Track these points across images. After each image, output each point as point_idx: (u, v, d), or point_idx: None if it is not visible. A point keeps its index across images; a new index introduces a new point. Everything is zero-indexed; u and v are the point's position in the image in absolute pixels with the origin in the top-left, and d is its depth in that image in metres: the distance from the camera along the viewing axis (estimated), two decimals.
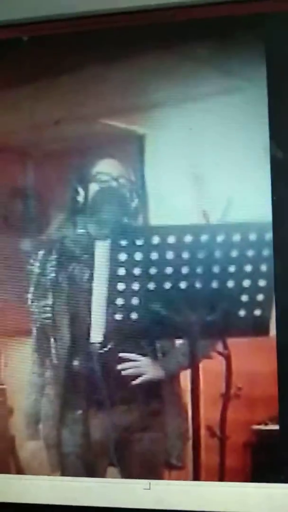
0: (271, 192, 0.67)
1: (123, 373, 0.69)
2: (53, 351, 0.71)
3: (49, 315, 0.71)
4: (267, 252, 0.67)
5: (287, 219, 0.67)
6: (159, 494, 0.69)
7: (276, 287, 0.67)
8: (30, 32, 0.74)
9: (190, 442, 0.68)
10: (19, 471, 0.73)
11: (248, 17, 0.68)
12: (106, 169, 0.71)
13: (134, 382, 0.69)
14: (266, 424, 0.66)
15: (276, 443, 0.66)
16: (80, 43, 0.72)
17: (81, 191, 0.71)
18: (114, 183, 0.70)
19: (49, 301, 0.71)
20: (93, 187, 0.71)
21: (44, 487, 0.72)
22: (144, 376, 0.69)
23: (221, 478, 0.67)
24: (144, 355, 0.69)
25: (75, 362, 0.71)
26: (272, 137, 0.67)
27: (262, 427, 0.66)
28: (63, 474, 0.72)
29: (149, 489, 0.69)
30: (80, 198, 0.71)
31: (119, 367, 0.69)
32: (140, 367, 0.69)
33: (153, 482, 0.69)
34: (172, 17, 0.70)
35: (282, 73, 0.68)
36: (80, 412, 0.71)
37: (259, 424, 0.66)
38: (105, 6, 0.71)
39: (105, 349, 0.70)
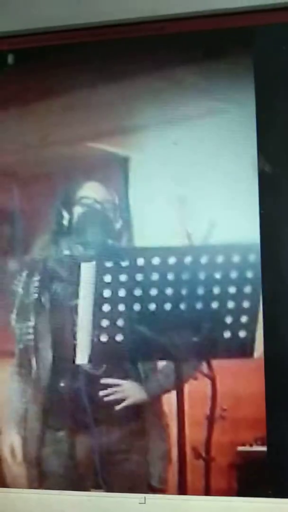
0: (258, 206, 0.67)
1: (105, 399, 0.69)
2: (35, 372, 0.71)
3: (32, 336, 0.71)
4: (250, 274, 0.67)
5: (275, 233, 0.67)
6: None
7: (264, 307, 0.66)
8: (16, 45, 0.73)
9: (175, 465, 0.68)
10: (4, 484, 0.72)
11: (237, 30, 0.68)
12: (91, 191, 0.71)
13: (117, 407, 0.69)
14: (251, 445, 0.66)
15: (262, 464, 0.66)
16: (66, 61, 0.72)
17: (65, 213, 0.71)
18: (98, 206, 0.71)
19: (33, 322, 0.71)
20: (78, 210, 0.71)
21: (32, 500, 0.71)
22: (127, 400, 0.69)
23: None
24: (127, 378, 0.69)
25: (60, 384, 0.71)
26: (260, 150, 0.67)
27: (248, 448, 0.66)
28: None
29: (145, 503, 0.69)
30: (65, 221, 0.71)
31: (101, 393, 0.69)
32: (123, 391, 0.69)
33: (148, 496, 0.69)
34: (162, 29, 0.70)
35: (271, 85, 0.68)
36: (62, 433, 0.71)
37: (244, 445, 0.66)
38: (102, 18, 0.71)
39: (90, 370, 0.70)
